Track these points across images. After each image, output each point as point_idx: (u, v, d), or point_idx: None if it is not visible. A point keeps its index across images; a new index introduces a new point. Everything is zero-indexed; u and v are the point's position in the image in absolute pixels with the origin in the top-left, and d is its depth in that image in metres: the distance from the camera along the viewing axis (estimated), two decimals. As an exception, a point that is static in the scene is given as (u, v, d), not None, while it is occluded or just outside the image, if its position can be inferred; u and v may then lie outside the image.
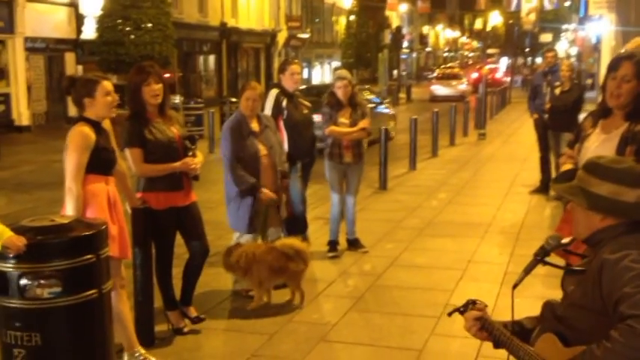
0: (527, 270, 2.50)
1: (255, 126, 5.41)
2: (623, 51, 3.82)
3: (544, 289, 4.67)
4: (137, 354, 4.16)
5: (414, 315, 5.06)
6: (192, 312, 4.89)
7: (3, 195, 10.63)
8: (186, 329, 4.82)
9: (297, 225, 6.04)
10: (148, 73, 4.46)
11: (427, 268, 6.31)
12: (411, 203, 9.20)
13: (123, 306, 4.06)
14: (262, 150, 5.39)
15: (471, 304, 2.61)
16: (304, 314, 5.17)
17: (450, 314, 2.69)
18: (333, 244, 6.80)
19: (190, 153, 4.61)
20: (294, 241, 5.27)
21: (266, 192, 5.31)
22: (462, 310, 2.62)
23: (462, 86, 32.38)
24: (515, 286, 2.49)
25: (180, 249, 4.90)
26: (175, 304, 4.86)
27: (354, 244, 6.92)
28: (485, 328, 2.53)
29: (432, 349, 4.49)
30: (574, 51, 37.84)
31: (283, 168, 5.60)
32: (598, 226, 2.34)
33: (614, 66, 3.45)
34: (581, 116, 6.04)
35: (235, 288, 5.59)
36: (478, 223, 7.95)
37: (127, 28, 19.76)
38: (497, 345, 2.54)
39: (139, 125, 4.46)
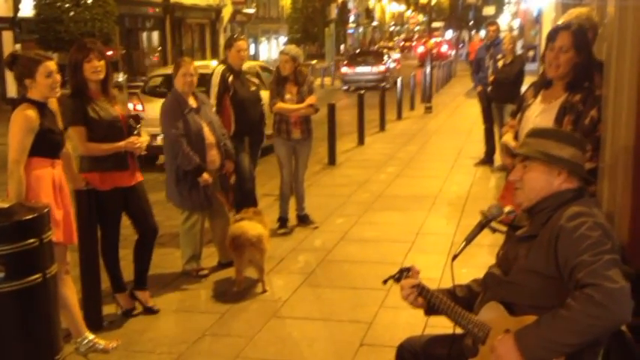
0: (469, 239, 2.55)
1: (192, 102, 5.34)
2: (560, 22, 3.88)
3: (490, 258, 4.77)
4: (85, 340, 4.10)
5: (364, 288, 5.12)
6: (148, 300, 4.83)
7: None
8: (136, 312, 4.77)
9: (246, 202, 6.01)
10: (89, 49, 4.34)
11: (376, 242, 6.38)
12: (360, 178, 9.26)
13: (68, 291, 3.99)
14: (204, 126, 5.33)
15: (405, 271, 2.65)
16: (255, 291, 5.17)
17: (384, 282, 2.72)
18: (283, 221, 6.80)
19: (135, 132, 4.52)
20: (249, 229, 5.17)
21: (207, 176, 5.26)
22: (397, 277, 2.66)
23: (381, 67, 25.30)
24: (455, 257, 2.54)
25: (128, 230, 4.83)
26: (124, 286, 4.80)
27: (304, 220, 6.94)
28: (423, 295, 2.57)
29: (381, 321, 4.55)
30: (517, 23, 38.40)
31: (225, 144, 5.54)
32: (542, 192, 2.40)
33: (551, 37, 3.51)
34: (524, 88, 6.16)
35: (185, 268, 5.54)
36: (426, 196, 8.06)
37: (66, 5, 19.17)
38: (430, 312, 2.58)
39: (81, 103, 4.35)
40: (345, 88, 23.45)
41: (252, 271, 5.26)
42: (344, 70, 25.68)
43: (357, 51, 29.71)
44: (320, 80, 25.57)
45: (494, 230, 2.56)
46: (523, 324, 2.24)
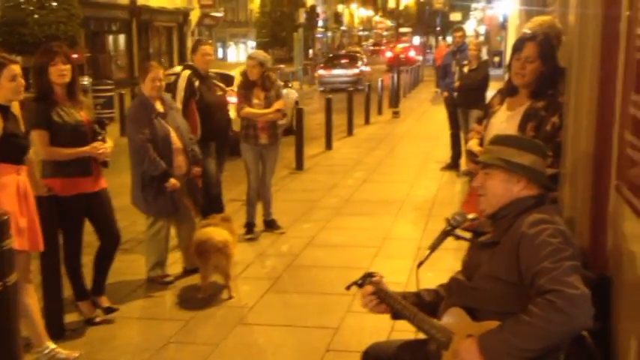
0: (433, 247, 2.56)
1: (160, 107, 5.29)
2: (525, 30, 3.94)
3: (456, 262, 4.80)
4: (46, 349, 4.01)
5: (330, 293, 5.11)
6: (105, 302, 4.77)
7: None
8: (98, 319, 4.70)
9: (213, 207, 5.96)
10: (55, 52, 4.28)
11: (343, 247, 6.38)
12: (328, 183, 9.26)
13: (30, 300, 3.91)
14: (170, 132, 5.28)
15: (368, 276, 2.65)
16: (221, 298, 5.13)
17: (348, 288, 2.72)
18: (250, 226, 6.77)
19: (100, 138, 4.46)
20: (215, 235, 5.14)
21: (173, 181, 5.21)
22: (360, 283, 2.65)
23: (356, 70, 26.33)
24: (420, 264, 2.55)
25: (92, 236, 4.75)
26: (86, 294, 4.72)
27: (271, 225, 6.91)
28: (386, 301, 2.58)
29: (348, 327, 4.55)
30: (483, 29, 38.91)
31: (193, 149, 5.50)
32: (504, 199, 2.43)
33: (518, 47, 3.56)
34: (490, 94, 6.22)
35: (150, 275, 5.47)
36: (393, 201, 8.09)
37: (31, 8, 18.85)
38: (396, 316, 2.59)
39: (45, 107, 4.28)
40: (322, 89, 23.87)
41: (218, 277, 5.22)
42: (321, 72, 26.45)
43: (331, 55, 30.49)
44: (299, 84, 25.57)
45: (457, 237, 2.57)
46: (486, 329, 2.26)
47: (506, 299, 2.31)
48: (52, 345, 4.05)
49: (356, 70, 26.04)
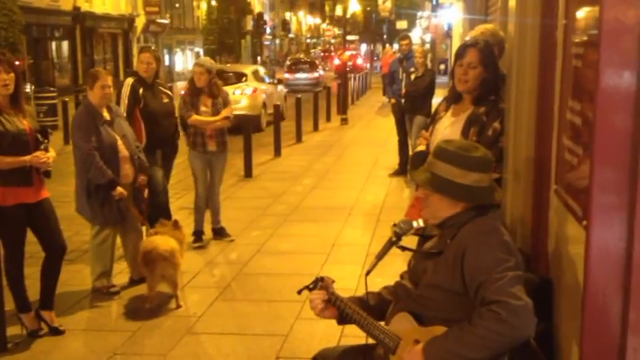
0: (380, 256, 2.57)
1: (106, 115, 5.20)
2: (468, 38, 4.02)
3: (404, 267, 4.86)
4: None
5: (280, 301, 5.10)
6: (53, 320, 4.64)
7: None
8: (42, 332, 4.58)
9: (159, 215, 5.88)
10: None
11: (292, 254, 6.38)
12: (276, 190, 9.25)
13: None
14: (117, 140, 5.20)
15: (319, 281, 2.66)
16: (169, 307, 5.06)
17: (299, 292, 2.72)
18: (198, 234, 6.71)
19: (42, 147, 4.35)
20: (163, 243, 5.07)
21: (120, 190, 5.13)
22: (311, 287, 2.66)
23: (316, 74, 30.03)
24: (368, 273, 2.56)
25: (36, 247, 4.63)
26: (29, 306, 4.59)
27: (219, 233, 6.87)
28: (337, 305, 2.58)
29: (297, 334, 4.55)
30: (428, 37, 39.50)
31: (139, 157, 5.42)
32: (449, 212, 2.44)
33: (460, 54, 3.63)
34: (436, 101, 6.33)
35: (95, 285, 5.36)
36: (341, 207, 8.14)
37: (-31, 13, 18.32)
38: (343, 321, 2.60)
39: None
40: (286, 90, 24.96)
41: (165, 286, 5.15)
42: (286, 75, 29.92)
43: (293, 61, 33.69)
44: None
45: (403, 249, 2.58)
46: (432, 334, 2.29)
47: (451, 308, 2.34)
48: (-8, 359, 3.94)
49: (316, 74, 29.96)
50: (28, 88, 19.05)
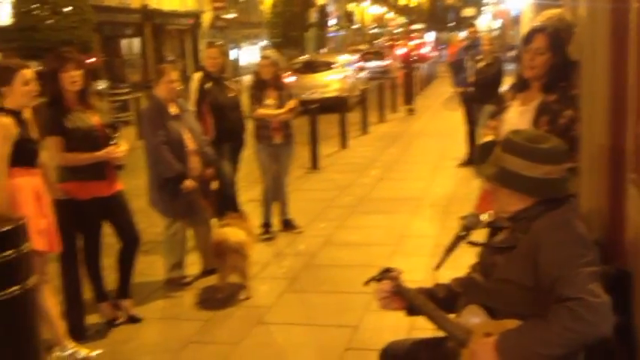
0: (448, 251, 2.54)
1: (174, 110, 5.32)
2: (535, 24, 3.92)
3: (475, 258, 4.79)
4: (67, 350, 4.06)
5: (348, 292, 5.11)
6: (130, 308, 4.81)
7: None
8: (120, 320, 4.74)
9: (228, 208, 5.99)
10: (66, 59, 4.33)
11: (360, 245, 6.38)
12: (343, 181, 9.27)
13: (49, 302, 3.95)
14: (185, 134, 5.31)
15: (386, 272, 2.64)
16: (239, 298, 5.15)
17: (366, 283, 2.71)
18: (266, 226, 6.79)
19: (113, 142, 4.49)
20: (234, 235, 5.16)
21: (188, 183, 5.23)
22: (378, 278, 2.65)
23: (385, 62, 31.35)
24: (437, 267, 2.53)
25: (113, 238, 4.79)
26: (106, 296, 4.77)
27: (288, 224, 6.93)
28: (405, 297, 2.57)
29: (367, 325, 4.55)
30: (497, 24, 38.65)
31: (206, 151, 5.52)
32: (519, 205, 2.38)
33: (527, 39, 3.54)
34: (503, 88, 6.20)
35: (169, 276, 5.51)
36: (409, 198, 8.08)
37: (44, 13, 19.01)
38: (412, 312, 2.58)
39: (58, 113, 4.32)
40: (367, 76, 26.06)
41: (236, 277, 5.25)
42: (359, 64, 30.86)
43: (365, 52, 34.49)
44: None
45: (472, 244, 2.54)
46: (504, 328, 2.25)
47: (524, 302, 2.29)
48: (72, 344, 4.10)
49: (385, 62, 31.45)
50: (104, 85, 19.66)
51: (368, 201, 8.15)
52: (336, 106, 12.90)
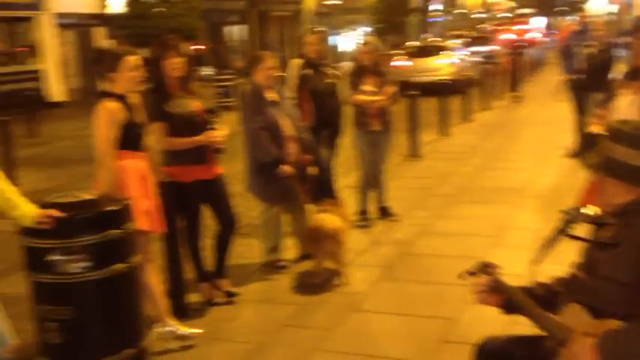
0: (548, 245, 2.41)
1: (272, 96, 5.36)
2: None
3: (578, 254, 4.57)
4: (168, 327, 4.20)
5: (445, 283, 5.00)
6: (225, 285, 4.92)
7: (40, 170, 10.80)
8: (218, 300, 4.86)
9: (324, 194, 5.99)
10: (168, 46, 4.47)
11: (459, 236, 6.24)
12: (443, 170, 9.10)
13: (152, 279, 4.09)
14: (282, 120, 5.34)
15: (483, 266, 2.54)
16: (334, 284, 5.16)
17: (462, 276, 2.61)
18: (363, 213, 6.77)
19: (211, 126, 4.59)
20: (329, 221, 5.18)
21: (285, 168, 5.26)
22: (475, 272, 2.54)
23: (490, 48, 30.47)
24: (536, 263, 2.41)
25: (212, 221, 4.91)
26: (207, 276, 4.89)
27: (385, 212, 6.88)
28: (502, 292, 2.46)
29: (463, 318, 4.44)
30: (612, 9, 36.74)
31: (304, 137, 5.53)
32: (626, 198, 2.25)
33: (638, 26, 3.31)
34: (613, 76, 5.87)
35: (266, 259, 5.60)
36: (512, 189, 7.83)
37: (154, 1, 19.77)
38: (509, 310, 2.47)
39: (160, 99, 4.46)
40: (480, 60, 25.95)
41: (332, 263, 5.25)
42: (468, 49, 31.49)
43: (471, 38, 33.91)
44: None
45: (573, 238, 2.40)
46: (605, 328, 2.12)
47: (626, 302, 2.16)
48: (173, 322, 4.24)
49: (489, 48, 30.66)
50: (209, 71, 20.25)
51: (468, 190, 7.96)
52: (447, 89, 13.05)
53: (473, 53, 29.75)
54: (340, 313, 4.66)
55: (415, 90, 10.48)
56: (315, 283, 5.14)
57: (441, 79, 16.86)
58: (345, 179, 8.29)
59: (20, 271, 3.60)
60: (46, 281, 3.41)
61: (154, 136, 4.43)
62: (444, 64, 19.33)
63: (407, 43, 25.31)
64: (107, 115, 3.86)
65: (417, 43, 24.39)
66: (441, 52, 20.52)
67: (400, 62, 19.62)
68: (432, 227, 6.54)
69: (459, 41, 24.67)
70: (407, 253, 5.82)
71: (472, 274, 2.56)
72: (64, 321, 3.39)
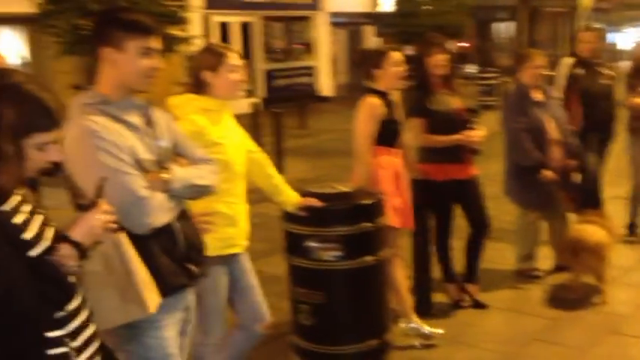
0: None
1: (538, 96, 5.08)
2: None
3: None
4: (411, 323, 4.22)
5: None
6: (474, 292, 4.81)
7: (306, 161, 11.53)
8: (464, 304, 4.77)
9: (589, 203, 5.56)
10: (432, 44, 4.48)
11: None
12: None
13: (398, 274, 4.13)
14: (547, 122, 5.04)
15: None
16: (592, 301, 4.77)
17: None
18: (632, 227, 6.17)
19: (472, 126, 4.50)
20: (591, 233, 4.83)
21: (547, 173, 4.96)
22: None
23: None
24: None
25: (463, 221, 4.82)
26: (454, 277, 4.83)
27: (657, 228, 6.20)
28: None
29: None
30: None
31: (570, 141, 5.16)
32: None
33: None
34: None
35: (519, 267, 5.36)
36: None
37: (424, -1, 20.06)
38: None
39: (422, 96, 4.48)
40: None
41: (591, 278, 4.87)
42: None
43: None
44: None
45: None
46: None
47: None
48: (416, 319, 4.25)
49: None
50: (473, 69, 20.02)
51: None
52: None
53: None
54: (596, 333, 4.29)
55: None
56: (571, 299, 4.80)
57: None
58: (615, 189, 7.61)
59: (280, 253, 3.87)
60: (301, 265, 3.63)
61: (412, 133, 4.46)
62: None
63: None
64: (368, 111, 3.98)
65: None
66: None
67: None
68: None
69: None
70: (682, 277, 5.18)
71: None
72: (315, 304, 3.59)
